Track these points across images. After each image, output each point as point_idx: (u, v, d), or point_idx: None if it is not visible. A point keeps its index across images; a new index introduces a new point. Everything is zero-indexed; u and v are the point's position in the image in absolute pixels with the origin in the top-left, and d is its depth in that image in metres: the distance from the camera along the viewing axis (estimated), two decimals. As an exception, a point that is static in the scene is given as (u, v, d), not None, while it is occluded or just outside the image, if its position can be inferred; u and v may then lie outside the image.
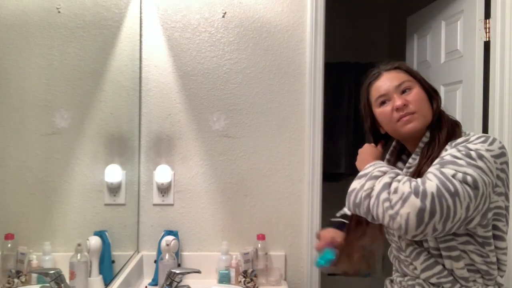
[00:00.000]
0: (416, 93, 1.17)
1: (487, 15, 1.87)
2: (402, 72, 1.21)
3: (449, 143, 1.12)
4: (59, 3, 1.17)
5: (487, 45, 1.87)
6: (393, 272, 1.31)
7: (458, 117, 2.05)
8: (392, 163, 1.29)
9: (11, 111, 0.97)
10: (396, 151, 1.31)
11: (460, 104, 2.04)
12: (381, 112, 1.21)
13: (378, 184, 1.04)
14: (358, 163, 1.22)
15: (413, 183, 0.99)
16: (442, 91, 2.23)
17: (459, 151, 1.04)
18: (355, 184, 1.10)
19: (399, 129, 1.18)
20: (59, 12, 1.17)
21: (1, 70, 0.94)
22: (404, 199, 0.97)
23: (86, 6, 1.36)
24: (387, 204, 1.00)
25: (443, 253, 1.11)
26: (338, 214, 1.43)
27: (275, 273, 1.79)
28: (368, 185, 1.06)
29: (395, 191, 0.99)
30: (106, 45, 1.55)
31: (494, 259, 1.12)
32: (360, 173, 1.11)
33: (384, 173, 1.06)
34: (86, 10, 1.36)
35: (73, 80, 1.28)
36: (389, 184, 1.02)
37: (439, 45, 2.25)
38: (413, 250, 1.17)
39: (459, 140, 1.10)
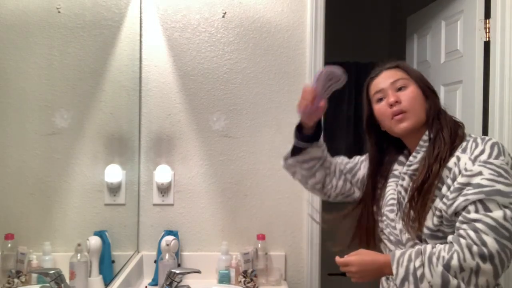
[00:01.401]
0: (410, 91, 1.19)
1: (487, 15, 1.87)
2: (400, 71, 1.23)
3: (460, 149, 1.10)
4: (59, 3, 1.17)
5: (487, 45, 1.87)
6: None
7: (458, 117, 2.04)
8: (388, 163, 1.31)
9: (11, 111, 0.97)
10: (393, 151, 1.32)
11: (460, 104, 2.04)
12: (378, 108, 1.24)
13: (433, 278, 1.00)
14: (367, 275, 1.13)
15: (474, 249, 0.97)
16: (442, 91, 2.23)
17: (491, 170, 1.03)
18: None
19: (393, 127, 1.21)
20: (59, 12, 1.17)
21: (1, 70, 0.94)
22: (476, 272, 0.97)
23: (86, 6, 1.36)
24: (463, 286, 0.98)
25: None
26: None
27: (275, 273, 1.79)
28: (425, 287, 1.01)
29: (461, 269, 0.97)
30: (106, 45, 1.55)
31: None
32: (398, 281, 1.04)
33: (422, 264, 1.02)
34: (86, 10, 1.36)
35: (73, 80, 1.28)
36: (447, 269, 0.98)
37: (439, 45, 2.25)
38: (414, 245, 1.16)
39: (476, 151, 1.07)
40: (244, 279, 1.74)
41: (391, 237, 1.24)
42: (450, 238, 1.04)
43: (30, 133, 1.06)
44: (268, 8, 1.86)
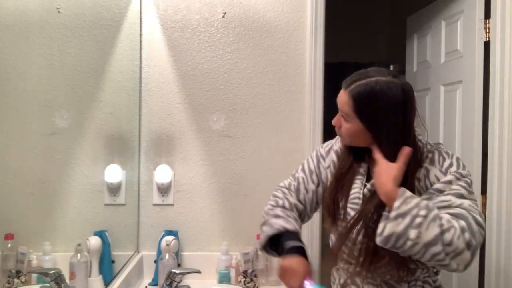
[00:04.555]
0: (347, 127, 1.18)
1: (487, 15, 1.87)
2: (349, 102, 1.14)
3: (427, 160, 1.17)
4: (59, 3, 1.17)
5: (487, 45, 1.87)
6: (339, 261, 1.33)
7: (458, 117, 2.05)
8: (350, 162, 1.28)
9: (11, 111, 0.97)
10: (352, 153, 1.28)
11: (460, 104, 2.04)
12: None
13: (426, 233, 1.03)
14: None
15: (466, 235, 1.04)
16: (442, 91, 2.23)
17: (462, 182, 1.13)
18: (393, 227, 1.04)
19: None
20: (59, 12, 1.17)
21: (1, 70, 0.94)
22: (458, 253, 1.04)
23: (86, 6, 1.36)
24: (440, 256, 1.04)
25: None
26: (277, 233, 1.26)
27: (275, 273, 1.79)
28: (413, 234, 1.03)
29: (450, 244, 1.03)
30: (106, 45, 1.55)
31: None
32: (394, 214, 1.04)
33: (425, 216, 1.04)
34: (86, 10, 1.36)
35: (73, 80, 1.28)
36: (441, 234, 1.03)
37: (439, 45, 2.25)
38: (366, 246, 1.19)
39: (445, 164, 1.16)
40: (244, 279, 1.74)
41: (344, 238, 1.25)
42: (448, 216, 1.07)
43: (30, 133, 1.06)
44: (268, 8, 1.86)
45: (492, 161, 1.82)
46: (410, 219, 1.03)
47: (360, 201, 1.22)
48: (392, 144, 1.12)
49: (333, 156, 1.33)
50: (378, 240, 1.07)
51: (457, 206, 1.09)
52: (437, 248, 1.03)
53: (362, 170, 1.26)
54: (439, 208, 1.09)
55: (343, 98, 1.16)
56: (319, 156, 1.36)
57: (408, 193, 1.07)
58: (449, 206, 1.09)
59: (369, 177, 1.25)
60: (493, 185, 1.83)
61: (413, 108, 1.14)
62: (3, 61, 0.94)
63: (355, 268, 1.20)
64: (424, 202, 1.06)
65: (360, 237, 1.18)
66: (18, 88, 1.00)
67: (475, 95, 1.91)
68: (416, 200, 1.06)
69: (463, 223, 1.05)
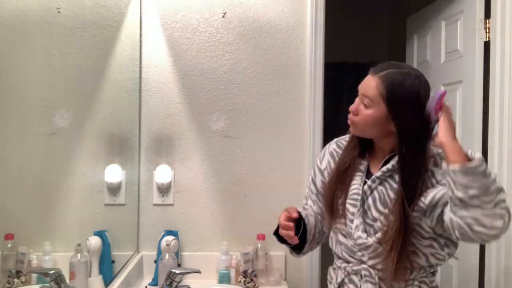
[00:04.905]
0: (366, 114, 1.18)
1: (487, 15, 1.87)
2: (379, 86, 1.16)
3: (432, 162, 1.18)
4: (59, 3, 1.17)
5: (487, 45, 1.87)
6: (336, 260, 1.34)
7: (458, 117, 2.05)
8: (352, 156, 1.29)
9: (11, 111, 0.97)
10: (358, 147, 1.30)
11: (460, 104, 2.04)
12: None
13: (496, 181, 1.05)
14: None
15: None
16: (442, 91, 2.22)
17: None
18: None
19: None
20: (59, 12, 1.17)
21: (1, 70, 0.94)
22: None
23: (86, 6, 1.36)
24: (503, 204, 1.06)
25: None
26: None
27: (275, 273, 1.79)
28: (493, 175, 1.06)
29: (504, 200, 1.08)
30: (106, 45, 1.55)
31: (445, 262, 1.26)
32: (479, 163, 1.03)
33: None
34: (86, 10, 1.36)
35: (73, 80, 1.28)
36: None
37: (439, 45, 2.25)
38: (362, 242, 1.23)
39: None
40: (244, 279, 1.74)
41: (343, 227, 1.28)
42: None
43: (30, 133, 1.06)
44: (268, 8, 1.86)
45: (492, 161, 1.82)
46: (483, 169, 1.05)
47: (359, 197, 1.24)
48: (411, 136, 1.14)
49: (328, 158, 1.37)
50: (470, 162, 1.03)
51: None
52: (504, 195, 1.05)
53: (362, 167, 1.28)
54: None
55: (371, 82, 1.17)
56: (316, 171, 1.40)
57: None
58: None
59: (368, 175, 1.26)
60: (493, 185, 1.82)
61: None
62: (3, 61, 0.94)
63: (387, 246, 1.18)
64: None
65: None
66: (18, 88, 0.99)
67: (475, 95, 1.91)
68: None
69: None
